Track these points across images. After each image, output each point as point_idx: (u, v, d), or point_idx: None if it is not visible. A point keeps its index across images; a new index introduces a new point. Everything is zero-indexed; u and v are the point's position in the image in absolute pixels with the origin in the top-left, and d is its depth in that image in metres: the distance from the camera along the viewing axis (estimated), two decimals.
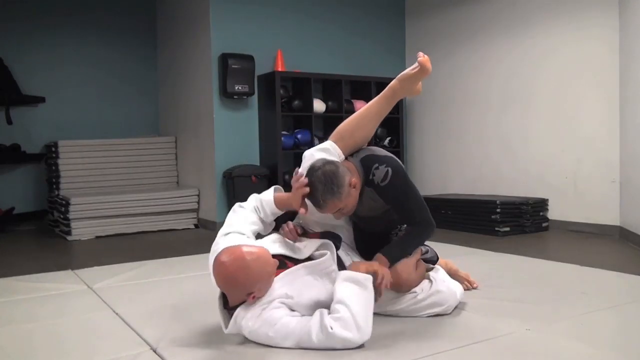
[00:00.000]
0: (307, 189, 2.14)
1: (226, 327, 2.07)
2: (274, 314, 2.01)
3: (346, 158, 2.36)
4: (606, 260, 3.67)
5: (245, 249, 2.01)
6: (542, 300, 2.62)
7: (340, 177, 2.13)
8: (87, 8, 6.34)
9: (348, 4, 6.23)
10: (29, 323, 2.50)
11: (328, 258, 2.18)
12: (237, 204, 2.37)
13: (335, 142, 2.36)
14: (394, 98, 2.44)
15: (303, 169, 2.27)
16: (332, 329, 1.95)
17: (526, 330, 2.19)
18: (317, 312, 2.03)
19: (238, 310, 2.05)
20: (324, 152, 2.31)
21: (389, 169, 2.24)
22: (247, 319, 2.03)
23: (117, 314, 2.57)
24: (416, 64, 2.40)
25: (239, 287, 2.00)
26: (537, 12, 5.17)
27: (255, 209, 2.31)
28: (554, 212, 5.06)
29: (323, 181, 2.12)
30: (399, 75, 2.43)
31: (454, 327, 2.23)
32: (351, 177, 2.19)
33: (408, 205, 2.29)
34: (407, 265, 2.31)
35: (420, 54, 2.41)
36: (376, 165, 2.26)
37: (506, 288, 2.83)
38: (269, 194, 2.32)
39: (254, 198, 2.35)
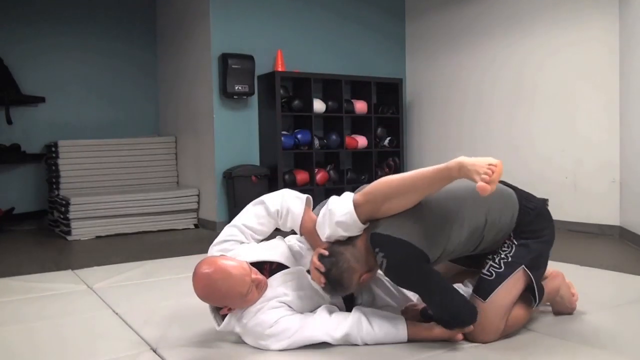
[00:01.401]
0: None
1: (218, 325, 2.08)
2: (271, 315, 2.01)
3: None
4: (606, 260, 3.66)
5: (220, 263, 1.97)
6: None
7: (346, 281, 2.00)
8: (87, 8, 6.34)
9: (348, 4, 6.23)
10: (29, 323, 2.50)
11: None
12: (262, 198, 2.25)
13: (362, 204, 1.98)
14: (448, 179, 1.92)
15: (320, 219, 2.08)
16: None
17: (527, 330, 2.19)
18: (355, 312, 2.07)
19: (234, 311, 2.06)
20: (341, 227, 1.99)
21: (384, 260, 1.95)
22: (241, 318, 2.03)
23: (117, 314, 2.57)
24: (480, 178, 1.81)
25: (210, 301, 2.03)
26: (537, 13, 5.17)
27: (277, 214, 2.21)
28: (554, 212, 5.00)
29: (330, 288, 2.02)
30: (462, 161, 1.86)
31: None
32: (361, 274, 2.02)
33: (421, 296, 2.04)
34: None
35: (488, 178, 1.79)
36: (377, 249, 1.97)
37: None
38: (299, 208, 2.19)
39: (280, 199, 2.22)
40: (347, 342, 2.03)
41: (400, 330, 2.05)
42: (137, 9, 6.62)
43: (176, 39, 6.25)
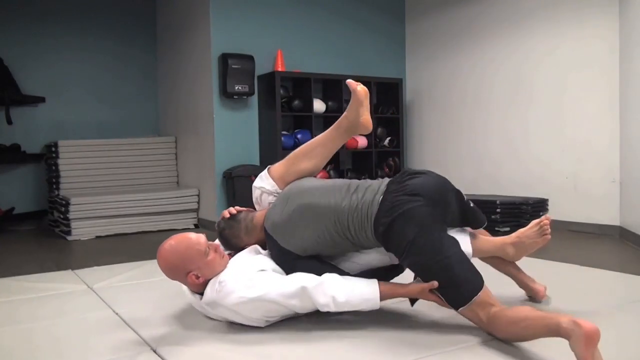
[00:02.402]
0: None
1: (201, 299, 2.24)
2: (248, 268, 2.17)
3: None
4: (606, 260, 3.67)
5: (176, 235, 2.22)
6: (542, 300, 2.62)
7: (233, 243, 2.40)
8: (88, 8, 6.34)
9: (348, 4, 6.23)
10: (29, 323, 2.50)
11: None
12: None
13: (277, 165, 2.45)
14: (339, 129, 2.42)
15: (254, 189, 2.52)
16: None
17: None
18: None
19: (211, 281, 2.19)
20: (260, 179, 2.48)
21: (270, 253, 2.35)
22: (219, 282, 2.14)
23: (117, 313, 2.57)
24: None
25: (175, 269, 2.18)
26: (537, 13, 5.17)
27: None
28: (554, 212, 5.04)
29: (221, 241, 2.42)
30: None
31: (454, 327, 2.23)
32: (246, 244, 2.38)
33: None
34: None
35: (352, 83, 2.39)
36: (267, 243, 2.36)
37: (506, 288, 2.83)
38: None
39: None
40: (322, 292, 2.08)
41: (372, 284, 2.14)
42: (137, 9, 6.62)
43: (176, 39, 6.25)
